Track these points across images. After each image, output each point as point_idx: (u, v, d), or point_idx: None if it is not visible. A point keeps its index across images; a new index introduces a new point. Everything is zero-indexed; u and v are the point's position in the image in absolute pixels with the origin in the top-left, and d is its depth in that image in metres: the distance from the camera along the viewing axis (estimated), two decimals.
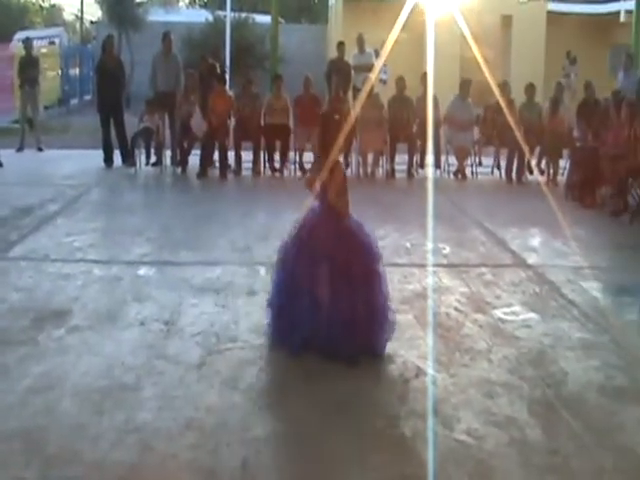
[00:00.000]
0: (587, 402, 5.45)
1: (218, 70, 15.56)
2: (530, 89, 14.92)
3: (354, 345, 5.91)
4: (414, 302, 7.37)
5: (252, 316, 6.93)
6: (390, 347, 6.25)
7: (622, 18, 26.37)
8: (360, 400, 5.39)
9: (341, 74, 15.93)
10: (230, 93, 15.01)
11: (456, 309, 7.22)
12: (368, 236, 6.13)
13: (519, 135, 13.80)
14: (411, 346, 6.32)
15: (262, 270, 8.35)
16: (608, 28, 27.96)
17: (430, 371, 5.85)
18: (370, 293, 6.00)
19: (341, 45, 17.45)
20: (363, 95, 14.70)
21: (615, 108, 12.66)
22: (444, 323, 6.86)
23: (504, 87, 14.82)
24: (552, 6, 30.09)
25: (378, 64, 24.63)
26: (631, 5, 19.99)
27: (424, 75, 14.85)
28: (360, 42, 18.12)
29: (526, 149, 14.07)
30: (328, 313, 5.83)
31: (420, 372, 5.84)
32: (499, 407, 5.31)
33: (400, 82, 14.72)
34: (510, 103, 14.44)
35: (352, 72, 17.11)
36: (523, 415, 5.18)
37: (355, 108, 14.49)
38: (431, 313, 7.08)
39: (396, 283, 7.91)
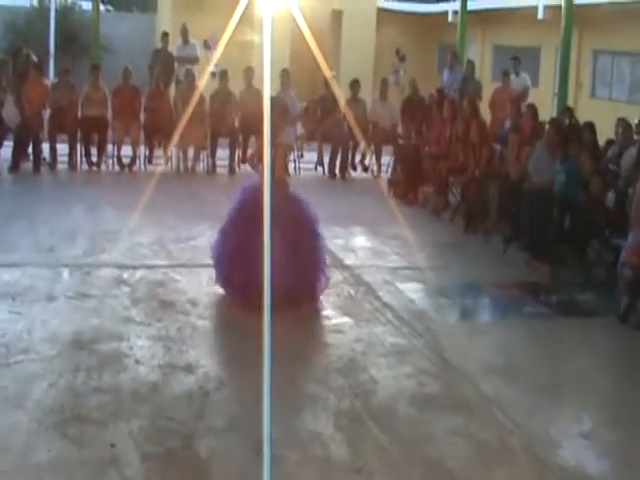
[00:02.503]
0: (396, 413, 5.24)
1: (34, 58, 14.74)
2: (355, 85, 14.74)
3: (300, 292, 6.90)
4: (221, 306, 7.04)
5: (49, 324, 6.46)
6: (192, 356, 5.92)
7: (450, 18, 26.72)
8: (154, 419, 4.99)
9: (164, 66, 15.36)
10: (47, 82, 14.24)
11: None
12: (305, 202, 7.28)
13: (343, 131, 13.71)
14: (214, 355, 5.99)
15: (65, 272, 7.83)
16: (437, 27, 28.30)
17: (232, 382, 5.53)
18: (310, 250, 7.13)
19: (165, 36, 16.84)
20: (184, 88, 14.23)
21: (437, 106, 12.62)
22: (251, 329, 6.52)
23: (331, 81, 14.61)
24: (383, 3, 30.29)
25: (210, 56, 24.21)
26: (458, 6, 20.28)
27: (248, 69, 14.45)
28: (184, 33, 17.35)
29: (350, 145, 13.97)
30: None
31: (222, 384, 5.50)
32: (303, 421, 5.03)
33: (223, 76, 14.24)
34: (335, 98, 14.26)
35: (175, 64, 16.51)
36: (328, 429, 4.91)
37: (175, 102, 14.03)
38: (237, 319, 6.74)
39: (204, 286, 7.56)
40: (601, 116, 11.65)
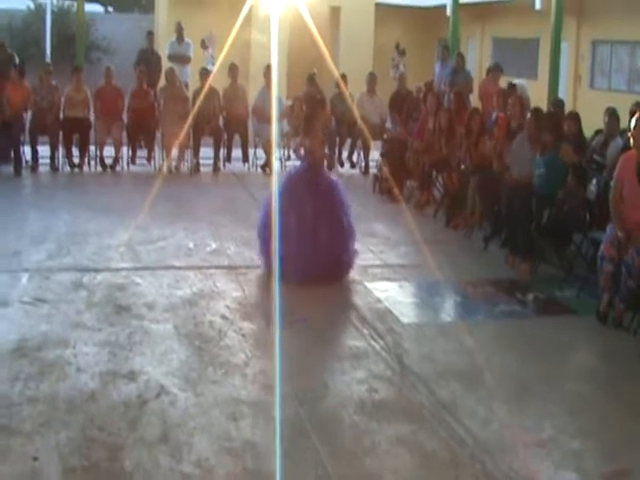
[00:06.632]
0: (341, 421, 4.94)
1: (17, 59, 14.50)
2: (342, 80, 14.40)
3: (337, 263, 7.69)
4: (178, 310, 6.75)
5: None
6: (137, 363, 5.65)
7: (448, 12, 26.35)
8: (84, 430, 4.72)
9: (149, 65, 15.04)
10: (28, 84, 13.95)
11: (223, 316, 6.61)
12: (339, 183, 8.23)
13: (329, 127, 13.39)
14: (161, 361, 5.70)
15: (25, 278, 7.55)
16: (436, 21, 27.92)
17: (174, 390, 5.24)
18: (343, 222, 7.84)
19: (150, 35, 16.50)
20: (166, 87, 13.93)
21: (423, 99, 12.31)
22: (205, 333, 6.26)
23: (311, 79, 14.31)
24: None
25: (207, 55, 23.95)
26: None
27: (232, 66, 14.12)
28: (179, 31, 16.91)
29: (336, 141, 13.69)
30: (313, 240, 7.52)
31: (163, 391, 5.23)
32: (240, 431, 4.74)
33: (204, 74, 13.88)
34: (321, 94, 13.92)
35: (168, 61, 16.10)
36: (265, 440, 4.62)
37: (158, 101, 13.78)
38: (193, 322, 6.46)
39: (165, 288, 7.29)
40: (600, 107, 11.22)
